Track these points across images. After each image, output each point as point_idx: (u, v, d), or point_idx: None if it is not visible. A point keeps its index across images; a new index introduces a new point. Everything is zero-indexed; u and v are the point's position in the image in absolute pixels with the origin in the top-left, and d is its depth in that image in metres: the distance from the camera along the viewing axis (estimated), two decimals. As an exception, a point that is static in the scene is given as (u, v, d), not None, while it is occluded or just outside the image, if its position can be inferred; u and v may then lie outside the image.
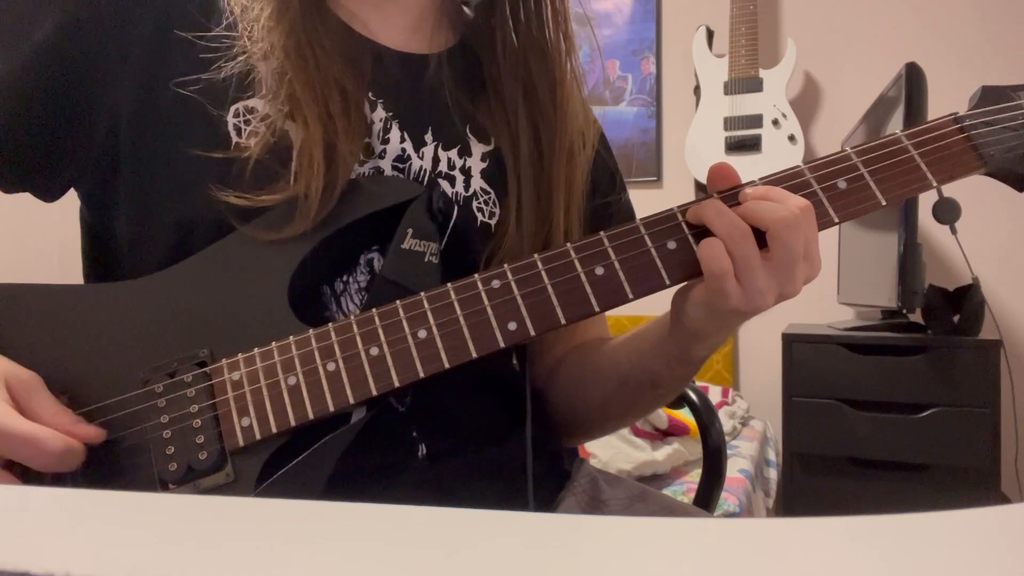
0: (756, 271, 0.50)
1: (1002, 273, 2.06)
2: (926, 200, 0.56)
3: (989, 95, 0.57)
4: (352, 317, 0.52)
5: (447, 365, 0.51)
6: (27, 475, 0.46)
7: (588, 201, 0.70)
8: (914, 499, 1.70)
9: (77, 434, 0.46)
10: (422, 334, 0.51)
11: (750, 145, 2.20)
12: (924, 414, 1.69)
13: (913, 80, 1.52)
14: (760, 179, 0.54)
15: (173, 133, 0.55)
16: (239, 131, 0.56)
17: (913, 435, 1.69)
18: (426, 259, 0.57)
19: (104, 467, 0.49)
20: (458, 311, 0.52)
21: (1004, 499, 1.73)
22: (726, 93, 2.24)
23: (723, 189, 0.54)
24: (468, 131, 0.65)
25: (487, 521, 0.25)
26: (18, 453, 0.45)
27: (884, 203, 0.53)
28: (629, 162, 2.47)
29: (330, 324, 0.52)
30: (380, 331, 0.51)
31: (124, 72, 0.56)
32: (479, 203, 0.64)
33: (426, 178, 0.62)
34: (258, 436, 0.49)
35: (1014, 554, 0.21)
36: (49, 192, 0.60)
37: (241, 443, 0.49)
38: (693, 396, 0.91)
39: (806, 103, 2.29)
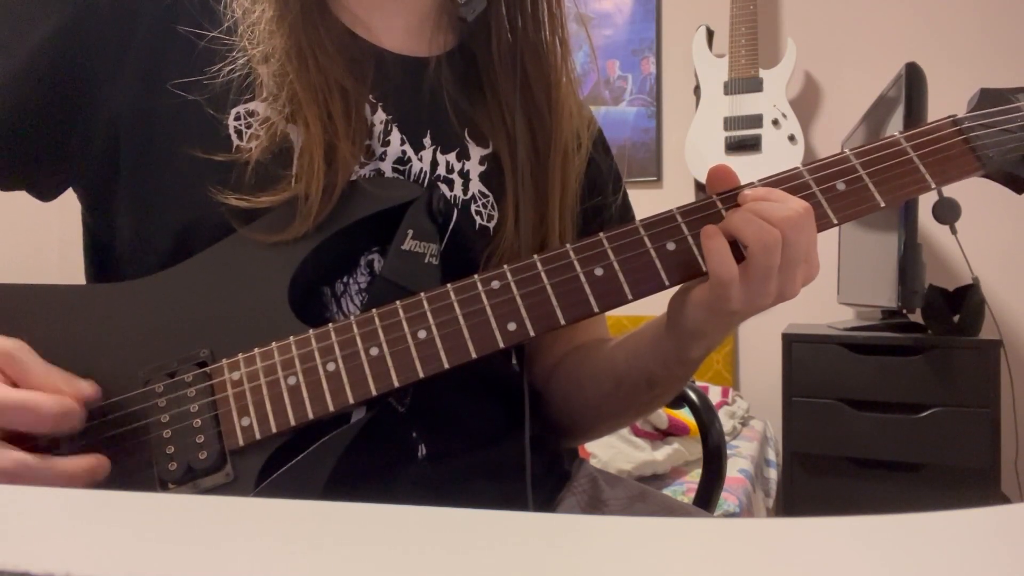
0: (771, 278, 0.50)
1: (1002, 273, 2.06)
2: (926, 200, 0.56)
3: (988, 97, 0.57)
4: (352, 317, 0.52)
5: (447, 365, 0.51)
6: (36, 448, 0.46)
7: (583, 202, 0.70)
8: (914, 499, 1.70)
9: (70, 392, 0.46)
10: (422, 334, 0.51)
11: (750, 145, 2.20)
12: (924, 414, 1.69)
13: (913, 80, 1.52)
14: (758, 181, 0.55)
15: (173, 135, 0.55)
16: (240, 134, 0.56)
17: (913, 435, 1.69)
18: (426, 260, 0.57)
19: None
20: (458, 311, 0.52)
21: (1004, 499, 1.73)
22: (726, 93, 2.24)
23: (722, 191, 0.54)
24: (466, 134, 0.65)
25: (487, 521, 0.25)
26: (15, 421, 0.44)
27: (883, 204, 0.53)
28: (629, 162, 2.47)
29: (330, 324, 0.52)
30: (380, 331, 0.51)
31: (124, 72, 0.56)
32: (477, 206, 0.64)
33: (425, 181, 0.62)
34: (258, 436, 0.49)
35: (1014, 554, 0.21)
36: (46, 191, 0.60)
37: (241, 443, 0.49)
38: (693, 396, 0.91)
39: (806, 103, 2.29)
